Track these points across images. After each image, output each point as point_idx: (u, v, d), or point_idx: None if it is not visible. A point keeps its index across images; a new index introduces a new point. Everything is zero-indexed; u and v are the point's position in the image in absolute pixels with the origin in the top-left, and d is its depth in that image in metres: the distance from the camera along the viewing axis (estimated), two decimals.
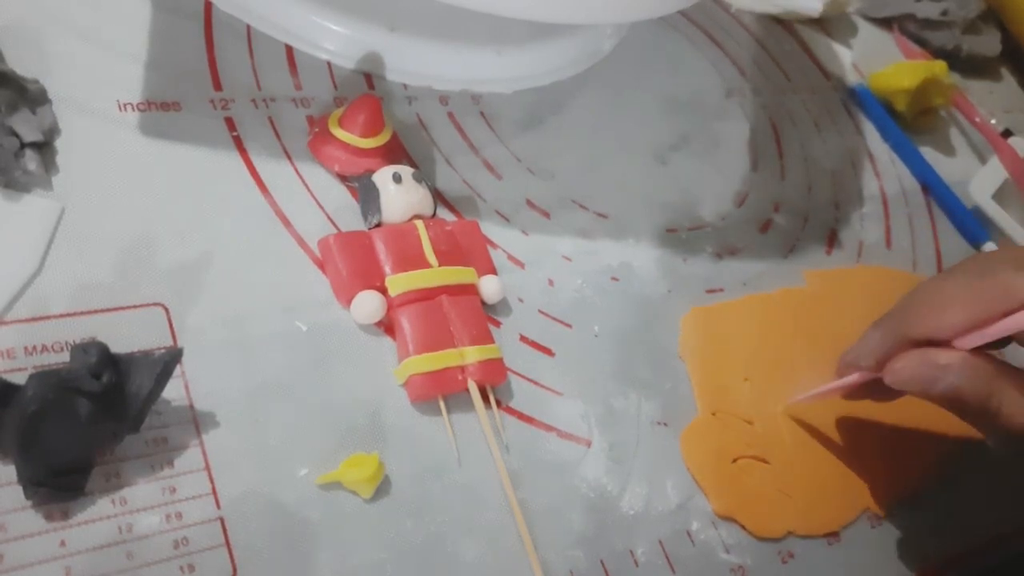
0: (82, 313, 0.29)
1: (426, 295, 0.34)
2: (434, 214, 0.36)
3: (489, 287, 0.35)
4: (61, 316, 0.29)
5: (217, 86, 0.36)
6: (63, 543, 0.25)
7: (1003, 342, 0.34)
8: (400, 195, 0.35)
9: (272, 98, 0.37)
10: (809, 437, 0.39)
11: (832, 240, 0.48)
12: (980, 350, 0.33)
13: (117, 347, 0.27)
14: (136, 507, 0.27)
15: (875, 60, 0.59)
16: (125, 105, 0.34)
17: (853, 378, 0.36)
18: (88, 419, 0.25)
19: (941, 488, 0.41)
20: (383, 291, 0.33)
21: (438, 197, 0.37)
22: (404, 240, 0.34)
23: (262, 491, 0.29)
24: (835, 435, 0.40)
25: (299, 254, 0.34)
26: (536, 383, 0.35)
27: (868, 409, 0.41)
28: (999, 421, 0.33)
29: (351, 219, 0.36)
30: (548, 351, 0.36)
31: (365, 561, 0.29)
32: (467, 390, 0.33)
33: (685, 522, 0.35)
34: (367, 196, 0.35)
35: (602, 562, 0.32)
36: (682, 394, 0.38)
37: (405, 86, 0.41)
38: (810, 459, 0.38)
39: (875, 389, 0.36)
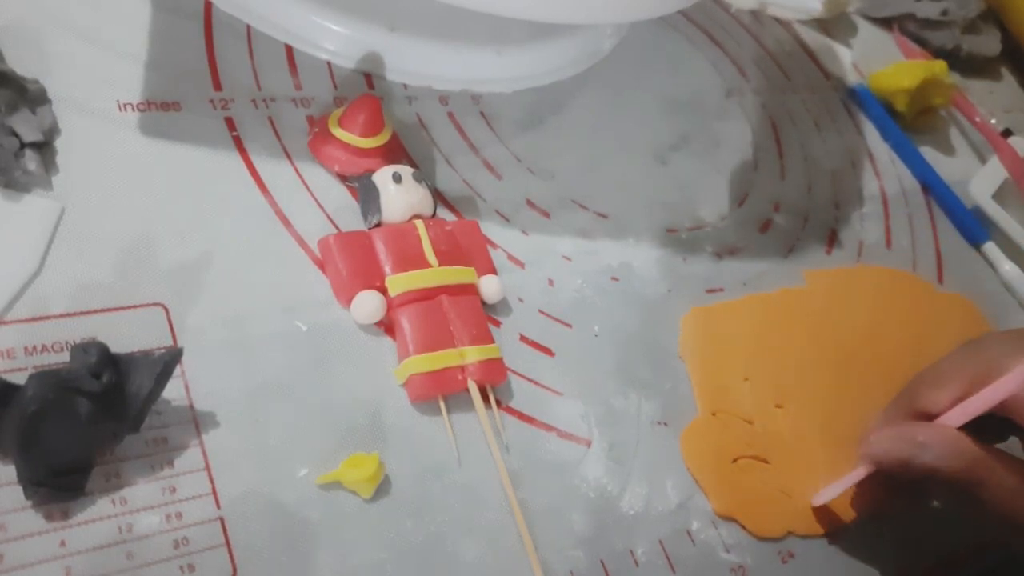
0: (82, 313, 0.29)
1: (426, 295, 0.34)
2: (434, 214, 0.36)
3: (489, 287, 0.35)
4: (61, 316, 0.29)
5: (217, 86, 0.36)
6: (63, 543, 0.25)
7: (1002, 432, 0.34)
8: (400, 195, 0.35)
9: (272, 98, 0.37)
10: (809, 436, 0.39)
11: (832, 240, 0.48)
12: (972, 434, 0.32)
13: (117, 347, 0.27)
14: (136, 507, 0.27)
15: (875, 60, 0.59)
16: (125, 105, 0.34)
17: (856, 475, 0.35)
18: (88, 419, 0.25)
19: None
20: (383, 291, 0.33)
21: (438, 197, 0.37)
22: (404, 240, 0.34)
23: (262, 491, 0.29)
24: (835, 434, 0.40)
25: (299, 254, 0.34)
26: (536, 383, 0.35)
27: (870, 409, 0.41)
28: (983, 507, 0.32)
29: (351, 219, 0.36)
30: (548, 351, 0.36)
31: (365, 561, 0.29)
32: (467, 390, 0.33)
33: (685, 522, 0.35)
34: (367, 196, 0.35)
35: (602, 562, 0.32)
36: (682, 394, 0.38)
37: (405, 86, 0.41)
38: (810, 459, 0.38)
39: (884, 492, 0.36)
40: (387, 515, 0.30)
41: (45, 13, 0.35)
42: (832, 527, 0.37)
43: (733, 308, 0.42)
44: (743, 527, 0.35)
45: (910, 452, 0.32)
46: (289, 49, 0.39)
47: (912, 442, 0.32)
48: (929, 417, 0.34)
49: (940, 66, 0.56)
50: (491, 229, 0.38)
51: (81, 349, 0.26)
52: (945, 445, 0.32)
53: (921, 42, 0.62)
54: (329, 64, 0.40)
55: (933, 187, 0.54)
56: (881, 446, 0.33)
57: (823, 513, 0.37)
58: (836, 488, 0.36)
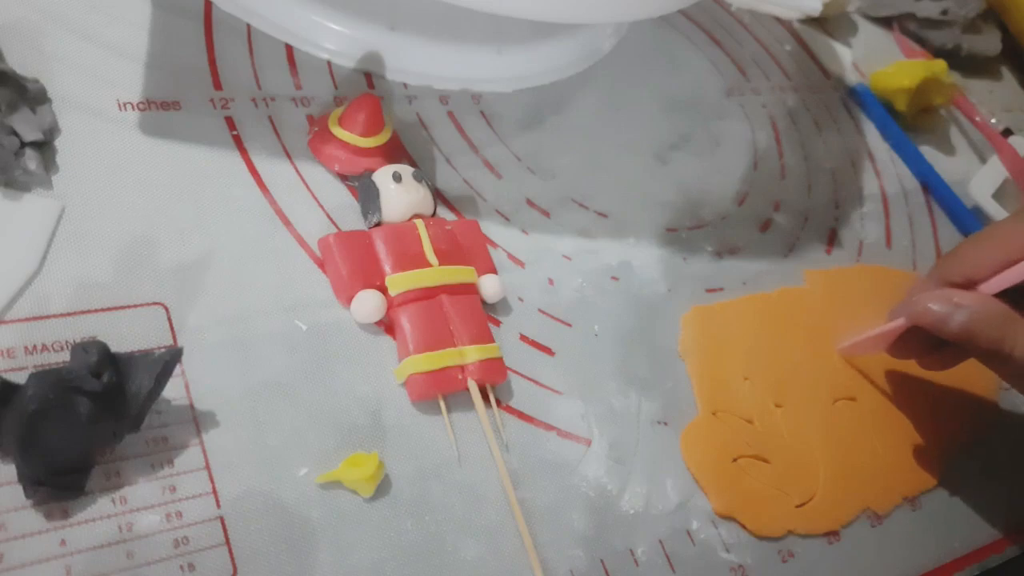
0: (82, 312, 0.29)
1: (426, 294, 0.34)
2: (434, 213, 0.36)
3: (489, 286, 0.35)
4: (61, 315, 0.29)
5: (217, 85, 0.36)
6: (63, 542, 0.26)
7: None
8: (400, 194, 0.35)
9: (272, 97, 0.37)
10: (809, 436, 0.39)
11: (832, 239, 0.48)
12: (1009, 302, 0.34)
13: (117, 346, 0.27)
14: (136, 506, 0.27)
15: (875, 59, 0.59)
16: (125, 104, 0.34)
17: (895, 324, 0.37)
18: (88, 418, 0.25)
19: (941, 489, 0.41)
20: (383, 290, 0.33)
21: (438, 196, 0.37)
22: (404, 239, 0.34)
23: (262, 490, 0.29)
24: (835, 434, 0.40)
25: (299, 253, 0.34)
26: (536, 382, 0.35)
27: (869, 409, 0.41)
28: (1011, 365, 0.34)
29: (351, 218, 0.36)
30: (548, 350, 0.36)
31: (365, 561, 0.29)
32: (467, 389, 0.33)
33: (685, 521, 0.35)
34: (367, 195, 0.35)
35: (602, 562, 0.32)
36: (682, 393, 0.38)
37: (405, 85, 0.41)
38: (810, 458, 0.38)
39: (920, 347, 0.38)
40: (387, 514, 0.30)
41: (45, 13, 0.35)
42: (832, 527, 0.37)
43: (733, 307, 0.42)
44: (743, 526, 0.35)
45: (946, 312, 0.34)
46: (289, 48, 0.39)
47: (948, 302, 0.35)
48: (972, 281, 0.36)
49: (940, 65, 0.56)
50: (491, 228, 0.38)
51: (81, 348, 0.26)
52: (979, 308, 0.34)
53: (921, 41, 0.62)
54: (329, 63, 0.40)
55: (933, 187, 0.54)
56: (919, 305, 0.35)
57: (824, 512, 0.37)
58: (869, 343, 0.39)
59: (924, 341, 0.38)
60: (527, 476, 0.33)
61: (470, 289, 0.35)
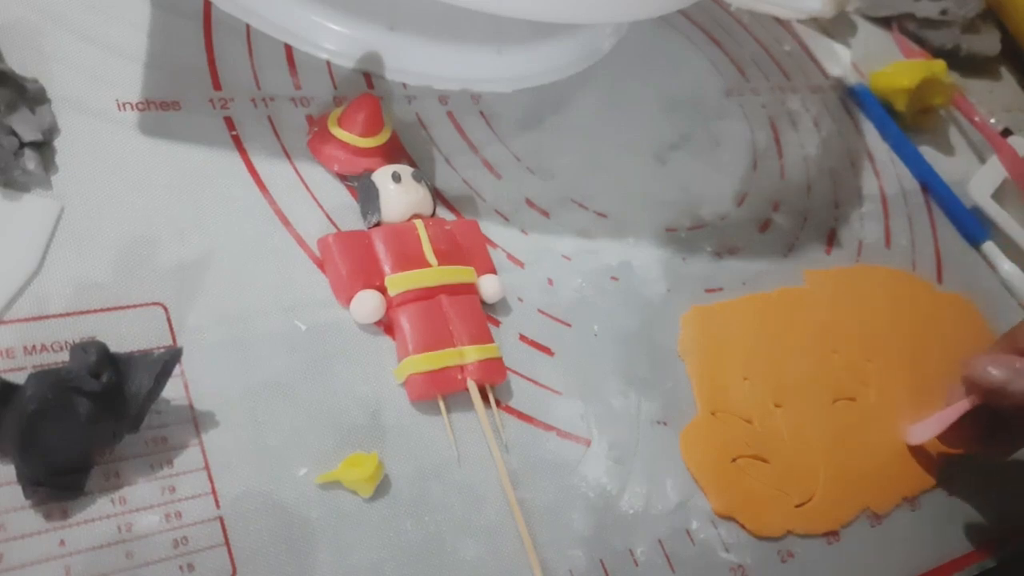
0: (81, 312, 0.29)
1: (425, 294, 0.34)
2: (433, 213, 0.36)
3: (488, 286, 0.35)
4: (60, 316, 0.29)
5: (216, 85, 0.36)
6: (62, 542, 0.26)
7: None
8: (399, 194, 0.35)
9: (271, 97, 0.37)
10: (809, 436, 0.39)
11: (831, 239, 0.48)
12: None
13: (117, 347, 0.27)
14: (136, 506, 0.27)
15: (875, 59, 0.59)
16: (124, 105, 0.34)
17: (959, 405, 0.36)
18: (88, 418, 0.25)
19: (941, 489, 0.41)
20: (382, 290, 0.33)
21: (438, 196, 0.37)
22: (403, 239, 0.34)
23: (261, 490, 0.29)
24: (835, 434, 0.40)
25: (299, 253, 0.34)
26: (536, 382, 0.35)
27: (869, 409, 0.41)
28: None
29: (351, 218, 0.36)
30: (548, 350, 0.36)
31: (364, 561, 0.29)
32: (467, 389, 0.33)
33: (685, 521, 0.35)
34: (366, 195, 0.35)
35: (602, 562, 0.32)
36: (682, 393, 0.38)
37: (405, 85, 0.41)
38: (810, 458, 0.38)
39: (978, 433, 0.37)
40: (387, 515, 0.30)
41: (45, 13, 0.35)
42: (832, 527, 0.37)
43: (733, 307, 0.42)
44: (742, 526, 0.35)
45: (1007, 377, 0.33)
46: (288, 48, 0.39)
47: (1010, 368, 0.33)
48: None
49: (939, 66, 0.56)
50: (491, 228, 0.38)
51: (81, 349, 0.26)
52: None
53: (920, 41, 0.62)
54: (328, 63, 0.40)
55: (932, 187, 0.54)
56: (980, 368, 0.34)
57: (824, 512, 0.37)
58: (935, 425, 0.37)
59: (982, 425, 0.37)
60: (527, 476, 0.33)
61: (469, 289, 0.35)
